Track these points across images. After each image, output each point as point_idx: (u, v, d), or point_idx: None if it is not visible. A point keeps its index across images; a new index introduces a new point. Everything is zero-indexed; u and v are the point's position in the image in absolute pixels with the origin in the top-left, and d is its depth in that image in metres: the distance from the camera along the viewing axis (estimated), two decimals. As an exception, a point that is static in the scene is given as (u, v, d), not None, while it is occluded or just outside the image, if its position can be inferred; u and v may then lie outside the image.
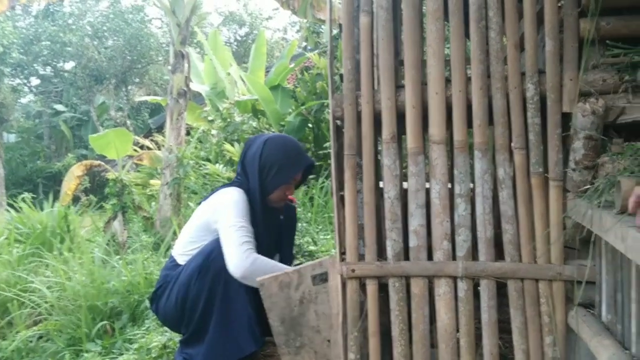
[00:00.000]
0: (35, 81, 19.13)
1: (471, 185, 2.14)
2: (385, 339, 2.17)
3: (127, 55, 16.90)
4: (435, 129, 2.09)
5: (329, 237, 4.85)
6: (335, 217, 2.19)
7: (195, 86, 9.26)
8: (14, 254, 4.86)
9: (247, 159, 2.71)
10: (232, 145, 6.95)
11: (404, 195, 2.17)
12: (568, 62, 2.03)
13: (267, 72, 10.04)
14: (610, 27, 1.99)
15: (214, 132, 7.90)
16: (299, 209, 5.04)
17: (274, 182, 2.65)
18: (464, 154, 2.09)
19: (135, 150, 7.96)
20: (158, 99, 11.79)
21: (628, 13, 2.01)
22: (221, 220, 2.56)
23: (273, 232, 2.80)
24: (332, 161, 2.19)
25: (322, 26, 9.87)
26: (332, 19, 2.26)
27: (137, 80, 18.58)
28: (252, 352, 2.55)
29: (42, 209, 6.36)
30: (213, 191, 2.78)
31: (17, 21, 17.24)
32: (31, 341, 3.50)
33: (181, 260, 2.70)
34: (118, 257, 4.66)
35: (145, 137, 9.96)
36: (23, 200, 6.68)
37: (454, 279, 2.09)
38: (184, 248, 2.71)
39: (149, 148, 8.32)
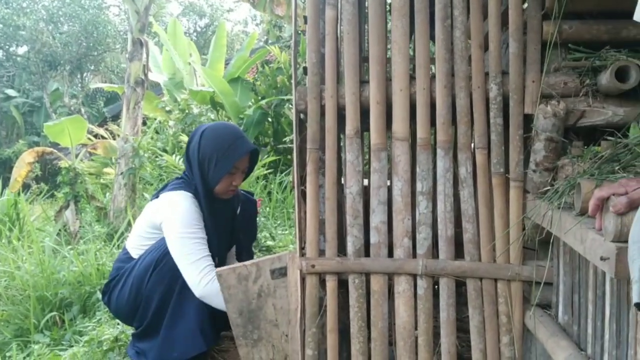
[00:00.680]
0: (-15, 65, 18.56)
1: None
2: (344, 335, 2.17)
3: (83, 41, 16.50)
4: (399, 125, 2.08)
5: (287, 232, 4.84)
6: (296, 211, 2.17)
7: (153, 76, 9.10)
8: (-40, 242, 4.71)
9: (189, 153, 2.63)
10: (190, 137, 6.86)
11: (365, 191, 2.17)
12: (531, 64, 2.04)
13: (227, 64, 9.95)
14: (572, 30, 2.01)
15: (171, 123, 7.79)
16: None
17: (216, 174, 2.55)
18: (427, 151, 2.09)
19: (90, 139, 7.79)
20: (114, 87, 11.55)
21: (590, 17, 2.03)
22: (167, 231, 2.51)
23: (225, 228, 2.75)
24: (294, 155, 2.16)
25: (285, 20, 9.81)
26: (296, 14, 2.23)
27: (92, 67, 18.16)
28: (203, 352, 2.53)
29: (-10, 196, 6.19)
30: (164, 187, 2.71)
31: (-32, 2, 16.71)
32: (-24, 331, 3.40)
33: (135, 253, 2.65)
34: (69, 247, 4.56)
35: (100, 126, 9.74)
36: (-30, 185, 6.49)
37: (414, 276, 2.09)
38: (138, 242, 2.66)
39: (103, 137, 8.13)
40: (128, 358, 2.68)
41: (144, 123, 7.62)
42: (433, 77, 2.08)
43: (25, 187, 7.91)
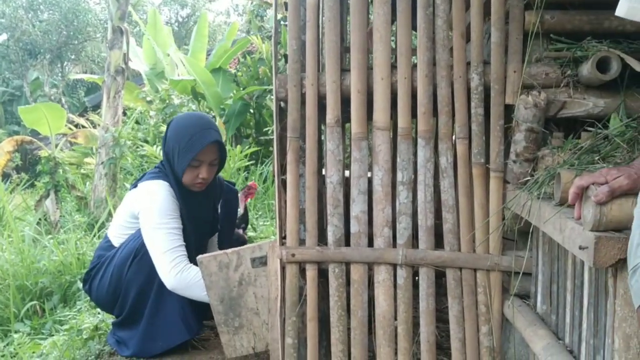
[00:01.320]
0: (-36, 52, 18.27)
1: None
2: (323, 324, 2.16)
3: (63, 30, 16.27)
4: (380, 115, 2.07)
5: (268, 223, 4.83)
6: (277, 200, 2.15)
7: (134, 65, 9.02)
8: (-61, 231, 4.65)
9: (164, 143, 2.61)
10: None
11: (346, 181, 2.15)
12: (512, 54, 2.04)
13: (209, 55, 9.89)
14: (554, 21, 2.01)
15: (152, 113, 7.72)
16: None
17: (179, 166, 2.51)
18: (408, 141, 2.08)
19: (70, 129, 7.71)
20: (95, 77, 11.46)
21: (572, 8, 2.04)
22: (143, 221, 2.49)
23: (205, 218, 2.74)
24: (275, 144, 2.15)
25: (268, 10, 9.76)
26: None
27: (73, 57, 17.95)
28: (185, 340, 2.53)
29: (-31, 185, 6.10)
30: (142, 176, 2.68)
31: (-54, -11, 16.43)
32: (-44, 319, 3.36)
33: (116, 242, 2.64)
34: (50, 236, 4.52)
35: (81, 115, 9.65)
36: (-51, 175, 6.40)
37: (394, 266, 2.08)
38: (119, 231, 2.65)
39: (84, 127, 8.05)
40: (108, 346, 2.67)
41: (125, 113, 7.55)
42: (414, 66, 2.07)
43: (5, 176, 7.82)
